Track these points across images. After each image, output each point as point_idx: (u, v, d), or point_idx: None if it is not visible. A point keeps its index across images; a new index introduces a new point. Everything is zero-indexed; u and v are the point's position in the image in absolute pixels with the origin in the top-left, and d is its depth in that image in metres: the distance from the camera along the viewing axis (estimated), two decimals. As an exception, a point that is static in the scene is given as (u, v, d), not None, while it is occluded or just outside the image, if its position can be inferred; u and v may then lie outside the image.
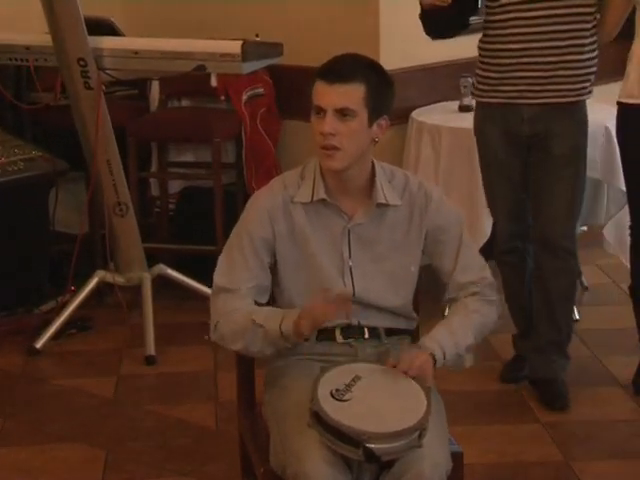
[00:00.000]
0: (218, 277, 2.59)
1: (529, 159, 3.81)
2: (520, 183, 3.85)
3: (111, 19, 4.84)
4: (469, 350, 2.60)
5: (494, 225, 4.05)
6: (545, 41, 3.65)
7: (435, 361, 2.49)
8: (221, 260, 2.61)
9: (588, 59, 3.70)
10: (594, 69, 3.74)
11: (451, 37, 3.90)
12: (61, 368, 4.30)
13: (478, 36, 5.11)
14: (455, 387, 3.86)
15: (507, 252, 3.98)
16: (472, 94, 3.93)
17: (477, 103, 3.92)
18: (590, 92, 3.76)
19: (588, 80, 3.73)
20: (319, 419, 2.31)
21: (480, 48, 3.83)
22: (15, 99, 4.71)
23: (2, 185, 4.55)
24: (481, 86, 3.83)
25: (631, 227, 3.89)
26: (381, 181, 2.60)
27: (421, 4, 3.68)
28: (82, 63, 4.22)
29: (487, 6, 3.72)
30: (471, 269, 2.65)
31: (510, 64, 3.71)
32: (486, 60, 3.79)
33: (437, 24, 3.77)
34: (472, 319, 2.60)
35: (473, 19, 3.86)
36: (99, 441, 3.68)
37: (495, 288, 2.69)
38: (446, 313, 4.33)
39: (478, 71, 3.85)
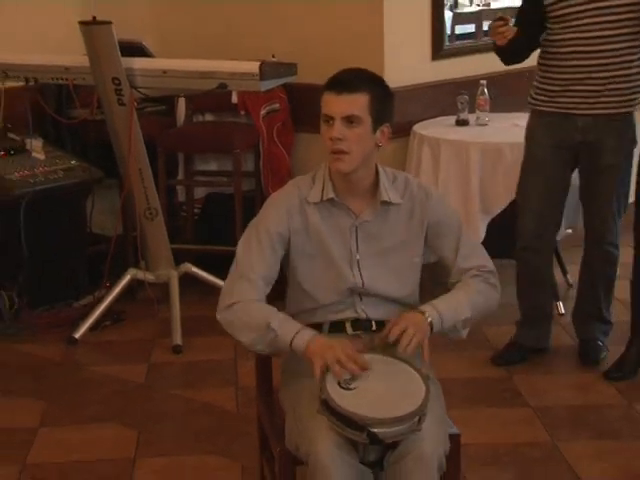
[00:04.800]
0: (236, 264, 2.56)
1: (579, 165, 3.87)
2: (558, 186, 3.91)
3: (142, 42, 4.85)
4: (466, 324, 2.57)
5: (517, 221, 4.00)
6: (599, 59, 3.71)
7: (432, 327, 2.47)
8: (240, 249, 2.58)
9: (636, 73, 3.75)
10: None
11: (525, 59, 3.98)
12: (97, 356, 4.30)
13: (471, 58, 5.18)
14: (453, 375, 3.86)
15: (526, 249, 3.98)
16: (529, 103, 3.94)
17: (533, 111, 3.94)
18: (639, 103, 3.82)
19: (637, 92, 3.78)
20: (328, 406, 2.30)
21: (540, 64, 3.88)
22: (56, 114, 4.71)
23: (44, 191, 4.55)
24: (539, 97, 3.88)
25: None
26: (384, 182, 2.60)
27: (494, 43, 3.86)
28: (116, 82, 4.22)
29: (549, 27, 3.78)
30: (473, 256, 2.63)
31: (568, 79, 3.77)
32: (546, 75, 3.85)
33: (511, 55, 3.92)
34: (472, 295, 2.58)
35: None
36: (132, 422, 3.68)
37: (496, 275, 2.66)
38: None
39: (536, 83, 3.90)
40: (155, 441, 3.54)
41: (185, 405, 3.83)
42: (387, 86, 2.58)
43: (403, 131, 4.64)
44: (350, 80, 2.50)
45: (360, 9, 4.83)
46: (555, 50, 3.78)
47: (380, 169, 2.61)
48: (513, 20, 3.89)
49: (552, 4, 3.71)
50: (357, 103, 2.48)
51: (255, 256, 2.54)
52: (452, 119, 4.81)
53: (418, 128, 4.73)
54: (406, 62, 4.84)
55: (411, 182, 2.65)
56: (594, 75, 3.72)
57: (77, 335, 4.40)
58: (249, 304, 2.50)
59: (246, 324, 2.49)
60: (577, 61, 3.73)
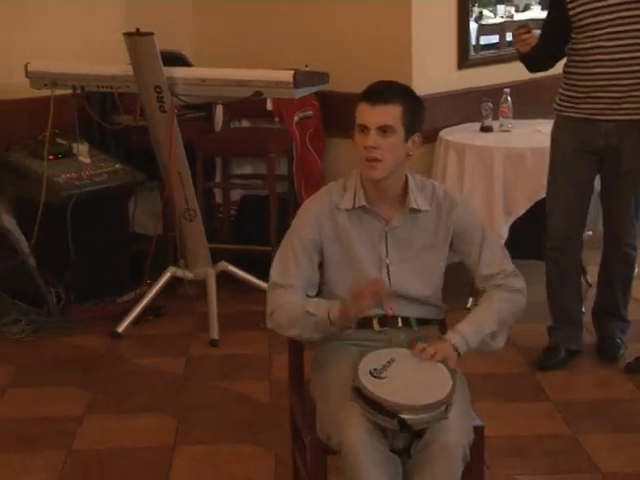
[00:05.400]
0: (274, 275, 2.59)
1: (602, 169, 3.85)
2: (583, 188, 3.88)
3: (182, 52, 4.87)
4: (495, 336, 2.57)
5: (546, 222, 3.97)
6: (621, 67, 3.68)
7: (458, 350, 2.49)
8: (276, 260, 2.61)
9: None
10: None
11: (550, 68, 3.97)
12: (139, 349, 4.32)
13: (495, 67, 5.17)
14: (479, 370, 3.83)
15: (555, 248, 3.95)
16: (554, 109, 3.92)
17: (558, 116, 3.91)
18: None
19: None
20: (360, 394, 2.31)
21: (565, 71, 3.86)
22: (101, 120, 4.74)
23: (90, 193, 4.58)
24: (564, 103, 3.86)
25: None
26: (413, 190, 2.60)
27: (518, 51, 3.88)
28: (158, 90, 4.25)
29: (573, 37, 3.76)
30: (493, 263, 2.62)
31: (592, 86, 3.74)
32: (570, 82, 3.82)
33: (536, 62, 3.92)
34: (495, 308, 2.57)
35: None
36: (171, 411, 3.69)
37: (519, 277, 2.65)
38: (469, 304, 4.36)
39: (561, 90, 3.87)
40: (193, 430, 3.55)
41: (221, 396, 3.84)
42: (419, 98, 2.58)
43: (430, 137, 4.63)
44: (384, 92, 2.51)
45: (389, 22, 4.83)
46: (579, 58, 3.76)
47: (409, 177, 2.61)
48: (536, 31, 3.88)
49: (577, 14, 3.69)
50: (391, 114, 2.49)
51: (292, 265, 2.56)
52: (477, 126, 4.80)
53: (444, 134, 4.72)
54: (433, 71, 4.83)
55: (438, 189, 2.65)
56: (616, 82, 3.68)
57: (120, 329, 4.42)
58: (287, 304, 2.53)
59: (289, 320, 2.53)
60: (600, 69, 3.70)
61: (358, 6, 4.93)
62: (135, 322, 4.48)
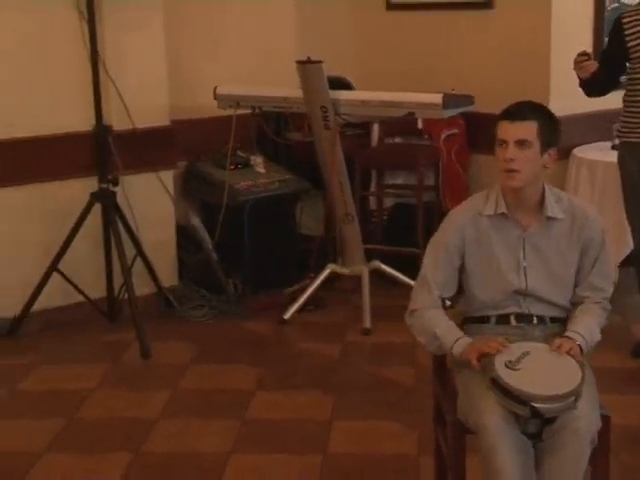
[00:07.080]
0: (423, 268, 2.61)
1: None
2: None
3: (346, 77, 4.93)
4: (595, 345, 2.53)
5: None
6: None
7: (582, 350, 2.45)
8: (424, 262, 2.62)
9: None
10: None
11: (606, 94, 3.93)
12: (302, 334, 4.39)
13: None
14: (602, 364, 3.69)
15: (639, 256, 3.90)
16: (617, 136, 3.91)
17: (620, 142, 3.89)
18: None
19: None
20: (496, 383, 2.30)
21: (624, 100, 3.83)
22: (275, 136, 4.87)
23: (264, 199, 4.71)
24: (623, 129, 3.83)
25: None
26: (550, 199, 2.56)
27: (579, 77, 3.84)
28: (324, 110, 4.32)
29: (630, 67, 3.76)
30: (606, 276, 2.58)
31: None
32: (628, 109, 3.79)
33: (593, 88, 3.88)
34: (598, 321, 2.55)
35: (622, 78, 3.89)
36: (328, 390, 3.74)
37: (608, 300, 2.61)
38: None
39: (621, 117, 3.85)
40: (347, 408, 3.59)
41: (372, 379, 3.86)
42: (553, 115, 2.55)
43: (564, 154, 4.53)
44: (522, 110, 2.50)
45: (528, 50, 4.77)
46: (634, 87, 3.72)
47: (546, 188, 2.58)
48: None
49: (634, 46, 3.68)
50: (528, 129, 2.47)
51: (438, 269, 2.56)
52: (608, 144, 4.67)
53: (577, 152, 4.62)
54: (569, 94, 4.70)
55: (573, 201, 2.61)
56: None
57: (286, 316, 4.51)
58: (424, 312, 2.55)
59: (421, 330, 2.57)
60: None
61: (499, 37, 4.90)
62: (299, 311, 4.55)
